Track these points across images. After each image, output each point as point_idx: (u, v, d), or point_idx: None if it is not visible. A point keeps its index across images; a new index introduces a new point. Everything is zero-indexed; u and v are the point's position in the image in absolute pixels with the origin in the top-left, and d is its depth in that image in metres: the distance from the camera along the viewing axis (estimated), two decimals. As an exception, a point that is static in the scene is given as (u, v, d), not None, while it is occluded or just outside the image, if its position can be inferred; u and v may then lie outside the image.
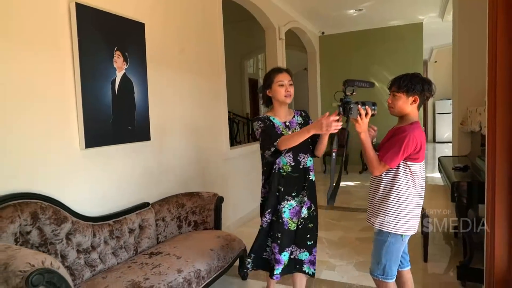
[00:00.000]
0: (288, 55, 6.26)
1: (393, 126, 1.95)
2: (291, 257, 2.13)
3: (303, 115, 2.24)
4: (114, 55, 2.43)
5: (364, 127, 1.82)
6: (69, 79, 2.16)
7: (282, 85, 2.06)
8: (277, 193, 2.09)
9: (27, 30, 1.94)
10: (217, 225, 2.88)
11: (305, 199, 2.11)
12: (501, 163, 1.97)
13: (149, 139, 2.74)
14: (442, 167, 3.44)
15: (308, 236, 2.13)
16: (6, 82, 1.84)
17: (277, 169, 2.09)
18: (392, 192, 1.81)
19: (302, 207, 2.10)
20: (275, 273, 2.09)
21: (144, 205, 2.60)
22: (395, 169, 1.82)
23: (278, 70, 2.12)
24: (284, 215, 2.09)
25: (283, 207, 2.09)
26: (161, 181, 2.92)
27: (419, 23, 6.70)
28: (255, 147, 4.79)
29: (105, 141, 2.38)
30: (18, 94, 1.89)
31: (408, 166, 1.79)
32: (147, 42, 2.72)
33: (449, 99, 7.87)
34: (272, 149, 1.96)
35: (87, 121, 2.22)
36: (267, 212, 2.11)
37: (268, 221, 2.12)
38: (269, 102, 2.17)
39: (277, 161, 2.07)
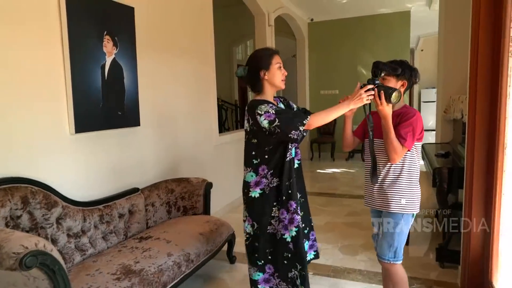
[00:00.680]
0: (277, 41, 6.24)
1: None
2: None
3: (284, 102, 2.05)
4: (104, 40, 2.41)
5: (390, 112, 1.74)
6: (59, 63, 2.15)
7: (280, 68, 1.86)
8: (291, 186, 1.85)
9: (15, 10, 1.91)
10: (206, 210, 2.93)
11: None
12: (479, 150, 2.06)
13: (138, 124, 2.75)
14: (425, 154, 3.55)
15: None
16: (-7, 67, 1.83)
17: (289, 158, 1.85)
18: (403, 173, 1.82)
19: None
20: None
21: (134, 190, 2.62)
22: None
23: (275, 51, 1.89)
24: (299, 212, 1.88)
25: (297, 202, 1.87)
26: (151, 166, 2.94)
27: (406, 11, 6.76)
28: (243, 133, 4.83)
29: (95, 126, 2.39)
30: (7, 78, 1.88)
31: (415, 146, 1.82)
32: (137, 27, 2.70)
33: (434, 88, 8.00)
34: (302, 127, 1.70)
35: (77, 105, 2.22)
36: (277, 210, 1.86)
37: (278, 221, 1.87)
38: (259, 86, 1.88)
39: (290, 151, 1.84)
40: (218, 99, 7.35)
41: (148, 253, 2.12)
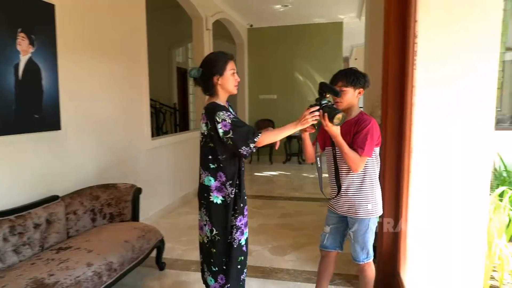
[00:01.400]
0: (216, 45, 6.26)
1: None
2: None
3: (231, 106, 2.08)
4: (18, 37, 2.25)
5: (338, 132, 1.81)
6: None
7: (233, 74, 1.90)
8: (245, 193, 1.96)
9: None
10: (135, 216, 2.84)
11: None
12: (390, 155, 2.25)
13: (59, 128, 2.59)
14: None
15: None
16: None
17: (243, 168, 1.93)
18: (366, 179, 1.90)
19: None
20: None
21: (53, 198, 2.46)
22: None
23: (230, 57, 1.92)
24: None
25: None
26: (74, 172, 2.78)
27: (339, 22, 7.16)
28: (182, 137, 4.78)
29: (5, 129, 2.20)
30: None
31: (374, 151, 1.89)
32: (58, 25, 2.55)
33: (365, 95, 8.55)
34: (252, 145, 1.77)
35: (-17, 108, 2.04)
36: (235, 219, 1.90)
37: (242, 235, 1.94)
38: (212, 90, 1.90)
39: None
40: (156, 102, 7.22)
41: (65, 264, 2.00)
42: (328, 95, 1.83)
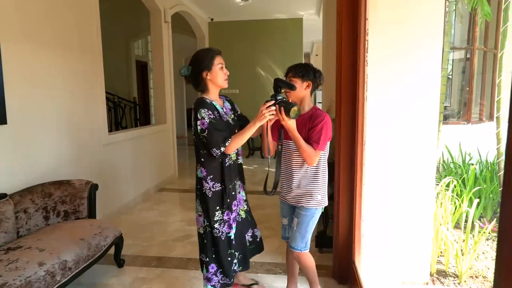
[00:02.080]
0: (176, 39, 6.16)
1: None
2: (257, 240, 2.24)
3: (229, 100, 2.17)
4: (-45, 25, 2.09)
5: (294, 126, 1.86)
6: None
7: (222, 68, 1.97)
8: (234, 188, 2.03)
9: None
10: (91, 214, 2.76)
11: (239, 182, 2.11)
12: (345, 146, 2.35)
13: (5, 122, 2.45)
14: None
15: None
16: None
17: (228, 163, 1.98)
18: (319, 171, 1.97)
19: (240, 191, 2.14)
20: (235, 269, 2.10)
21: (0, 196, 2.34)
22: None
23: (217, 52, 1.98)
24: (240, 210, 2.12)
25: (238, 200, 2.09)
26: (24, 169, 2.65)
27: (299, 18, 7.28)
28: (141, 132, 4.67)
29: None
30: None
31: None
32: (1, 12, 2.40)
33: (325, 90, 8.77)
34: (221, 149, 1.85)
35: None
36: (221, 213, 1.99)
37: (227, 227, 2.02)
38: (203, 85, 1.99)
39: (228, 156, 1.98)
40: (114, 96, 6.99)
41: (14, 264, 1.92)
42: (283, 91, 1.89)
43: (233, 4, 6.44)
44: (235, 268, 2.10)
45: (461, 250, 2.66)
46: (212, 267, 2.04)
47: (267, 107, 1.80)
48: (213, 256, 2.03)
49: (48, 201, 2.61)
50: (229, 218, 2.02)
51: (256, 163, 7.01)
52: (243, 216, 2.15)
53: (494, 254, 2.86)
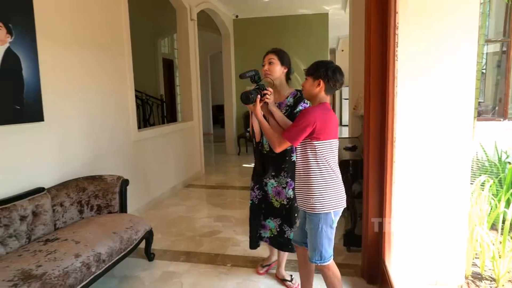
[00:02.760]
0: (202, 36, 6.21)
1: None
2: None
3: (297, 96, 2.22)
4: (-5, 27, 2.20)
5: (257, 110, 1.99)
6: None
7: (263, 66, 2.22)
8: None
9: None
10: (123, 208, 2.85)
11: (288, 180, 2.28)
12: (374, 144, 2.30)
13: (42, 119, 2.56)
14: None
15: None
16: None
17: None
18: (307, 173, 1.84)
19: (284, 188, 2.30)
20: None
21: (39, 190, 2.44)
22: (303, 151, 1.85)
23: (268, 51, 2.27)
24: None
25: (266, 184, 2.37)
26: (59, 164, 2.76)
27: (324, 13, 7.17)
28: (168, 129, 4.76)
29: (-13, 122, 2.17)
30: None
31: (313, 145, 1.82)
32: (37, 14, 2.50)
33: (350, 86, 8.64)
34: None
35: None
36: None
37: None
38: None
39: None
40: (142, 93, 7.15)
41: (53, 255, 2.01)
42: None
43: (258, 0, 6.42)
44: None
45: (498, 253, 2.55)
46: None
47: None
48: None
49: (82, 195, 2.71)
50: None
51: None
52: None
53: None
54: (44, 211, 2.40)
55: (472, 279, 2.50)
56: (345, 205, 1.89)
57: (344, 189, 1.91)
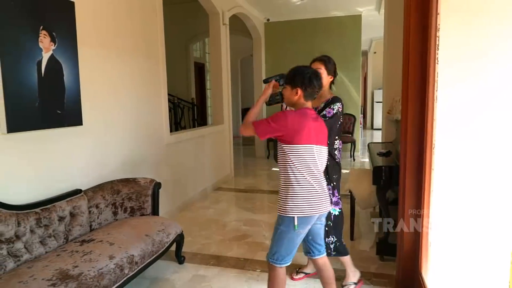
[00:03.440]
0: (233, 40, 6.26)
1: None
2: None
3: (328, 101, 2.32)
4: (40, 35, 2.30)
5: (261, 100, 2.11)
6: (-13, 59, 2.02)
7: None
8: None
9: None
10: (155, 211, 2.89)
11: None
12: (411, 150, 2.21)
13: (81, 123, 2.65)
14: (369, 152, 3.72)
15: None
16: None
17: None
18: (280, 174, 1.90)
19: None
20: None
21: (76, 192, 2.53)
22: (282, 154, 1.87)
23: (314, 58, 2.46)
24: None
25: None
26: (95, 167, 2.85)
27: (358, 15, 7.02)
28: (200, 132, 4.82)
29: (31, 125, 2.27)
30: None
31: (283, 148, 1.85)
32: (78, 22, 2.60)
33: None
34: None
35: (10, 104, 2.10)
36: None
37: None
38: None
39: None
40: (174, 97, 7.29)
41: (88, 256, 2.06)
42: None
43: (290, 3, 6.39)
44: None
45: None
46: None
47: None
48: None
49: (116, 197, 2.78)
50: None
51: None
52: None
53: None
54: (81, 212, 2.48)
55: (518, 296, 2.34)
56: (317, 214, 1.87)
57: (321, 196, 1.88)
